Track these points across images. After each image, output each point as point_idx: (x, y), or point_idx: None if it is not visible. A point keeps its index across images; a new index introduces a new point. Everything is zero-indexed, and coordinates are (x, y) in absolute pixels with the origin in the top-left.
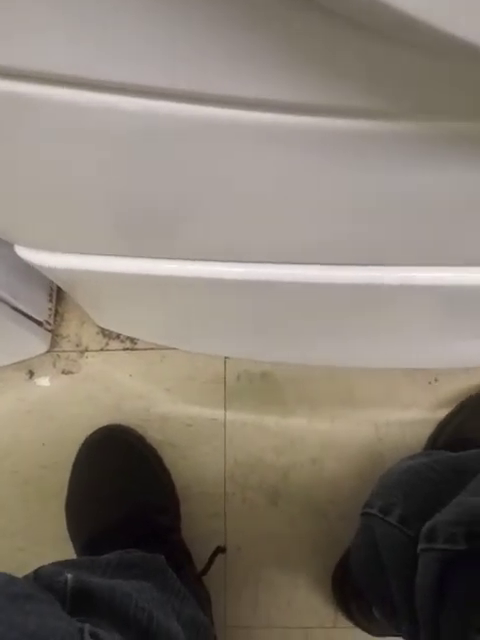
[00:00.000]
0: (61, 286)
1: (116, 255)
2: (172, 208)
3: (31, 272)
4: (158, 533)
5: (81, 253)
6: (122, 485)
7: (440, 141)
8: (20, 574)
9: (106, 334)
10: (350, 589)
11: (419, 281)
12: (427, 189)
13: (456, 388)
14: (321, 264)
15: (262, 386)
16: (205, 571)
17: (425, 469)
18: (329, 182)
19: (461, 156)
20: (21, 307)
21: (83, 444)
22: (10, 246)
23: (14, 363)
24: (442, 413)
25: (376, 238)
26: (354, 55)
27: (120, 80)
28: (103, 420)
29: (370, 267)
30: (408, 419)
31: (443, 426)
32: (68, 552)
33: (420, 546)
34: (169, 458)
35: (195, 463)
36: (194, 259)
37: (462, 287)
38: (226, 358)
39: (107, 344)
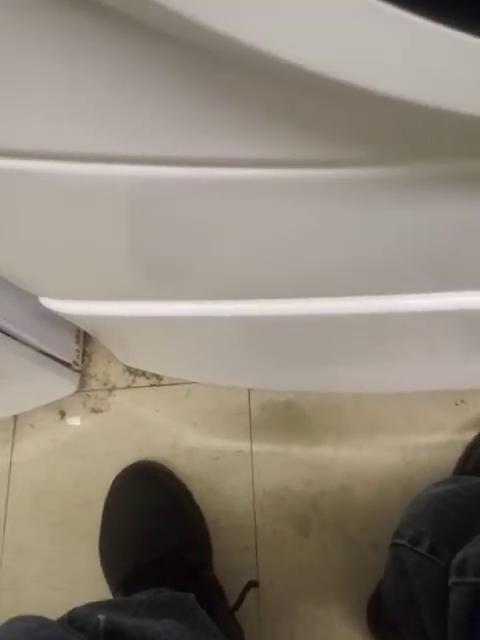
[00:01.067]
0: (85, 329)
1: (134, 299)
2: (180, 256)
3: (57, 317)
4: (190, 570)
5: (101, 300)
6: (153, 523)
7: (412, 182)
8: (60, 613)
9: (132, 372)
10: (385, 623)
11: (438, 306)
12: (424, 221)
13: None
14: (339, 296)
15: (287, 415)
16: (237, 606)
17: (452, 496)
18: (334, 222)
19: (446, 192)
20: (49, 351)
21: (114, 482)
22: (35, 297)
23: (46, 405)
24: (470, 435)
25: (389, 268)
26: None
27: (116, 152)
28: (133, 456)
29: (387, 296)
30: (435, 443)
31: (472, 449)
32: (105, 590)
33: (451, 580)
34: (198, 492)
35: (224, 496)
36: (209, 299)
37: (477, 310)
38: (250, 389)
39: (133, 381)
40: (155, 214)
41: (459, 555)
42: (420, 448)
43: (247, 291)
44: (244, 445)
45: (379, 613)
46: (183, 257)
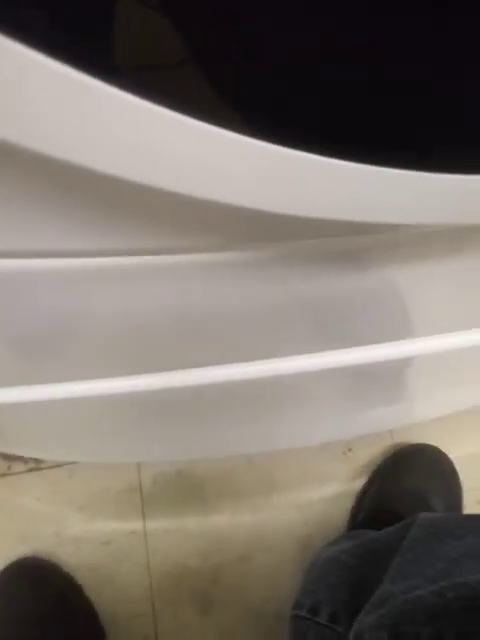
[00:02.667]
0: None
1: (3, 385)
2: (48, 340)
3: None
4: None
5: None
6: (37, 631)
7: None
8: None
9: (7, 457)
10: None
11: (318, 366)
12: (287, 293)
13: (369, 454)
14: (219, 364)
15: (180, 485)
16: None
17: (346, 556)
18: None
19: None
20: None
21: None
22: None
23: None
24: (360, 482)
25: (266, 335)
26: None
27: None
28: (11, 553)
29: (268, 360)
30: (329, 495)
31: (361, 498)
32: None
33: None
34: (89, 584)
35: (118, 584)
36: (87, 378)
37: (355, 365)
38: (139, 463)
39: (9, 468)
40: (18, 301)
41: (355, 627)
42: (314, 503)
43: (125, 368)
44: (136, 525)
45: None
46: (53, 341)
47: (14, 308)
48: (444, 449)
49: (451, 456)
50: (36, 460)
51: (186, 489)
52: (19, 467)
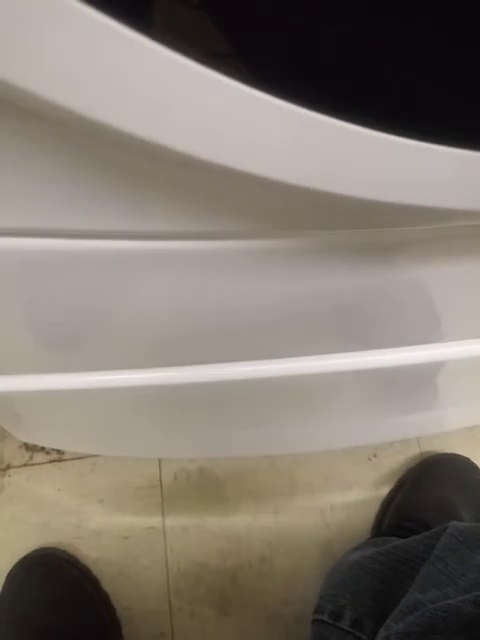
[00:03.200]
0: None
1: (29, 373)
2: (75, 328)
3: None
4: None
5: None
6: (54, 620)
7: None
8: None
9: (30, 448)
10: None
11: (342, 367)
12: (319, 290)
13: (395, 462)
14: (249, 360)
15: (201, 484)
16: None
17: (370, 562)
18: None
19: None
20: None
21: (8, 576)
22: None
23: None
24: (385, 490)
25: (298, 332)
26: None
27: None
28: (31, 544)
29: (298, 358)
30: (352, 501)
31: (386, 506)
32: None
33: None
34: (107, 577)
35: (135, 579)
36: (112, 369)
37: (386, 368)
38: (160, 459)
39: (31, 458)
40: (46, 286)
41: (381, 633)
42: (337, 508)
43: (151, 360)
44: (156, 520)
45: None
46: (80, 329)
47: (44, 292)
48: (473, 460)
49: None
50: (58, 451)
51: (207, 487)
52: (41, 458)
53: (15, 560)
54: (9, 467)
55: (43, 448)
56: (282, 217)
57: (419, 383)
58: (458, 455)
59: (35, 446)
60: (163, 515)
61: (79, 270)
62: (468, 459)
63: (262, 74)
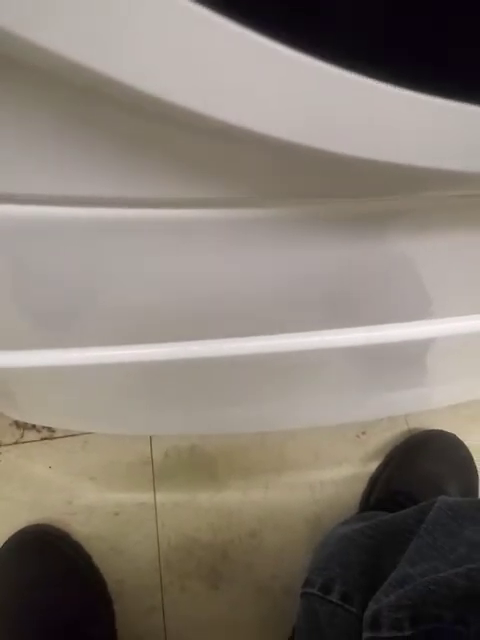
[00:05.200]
0: None
1: (19, 348)
2: (68, 302)
3: None
4: None
5: None
6: (46, 597)
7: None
8: None
9: (20, 425)
10: None
11: (330, 344)
12: (313, 261)
13: (383, 439)
14: (239, 337)
15: (192, 461)
16: None
17: (359, 536)
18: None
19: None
20: None
21: None
22: None
23: None
24: (373, 466)
25: (287, 307)
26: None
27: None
28: (23, 521)
29: (288, 334)
30: (341, 477)
31: (374, 481)
32: None
33: (365, 635)
34: (98, 552)
35: (127, 554)
36: (103, 345)
37: (373, 345)
38: (151, 436)
39: (22, 436)
40: (41, 257)
41: (371, 606)
42: (326, 484)
43: (142, 336)
44: (147, 497)
45: None
46: (67, 303)
47: (35, 265)
48: (459, 436)
49: (466, 444)
50: (49, 429)
51: (198, 464)
52: (32, 435)
53: (6, 537)
54: (0, 445)
55: (34, 426)
56: (283, 184)
57: (406, 361)
58: (444, 431)
59: (26, 424)
60: (154, 491)
61: (67, 240)
62: (454, 435)
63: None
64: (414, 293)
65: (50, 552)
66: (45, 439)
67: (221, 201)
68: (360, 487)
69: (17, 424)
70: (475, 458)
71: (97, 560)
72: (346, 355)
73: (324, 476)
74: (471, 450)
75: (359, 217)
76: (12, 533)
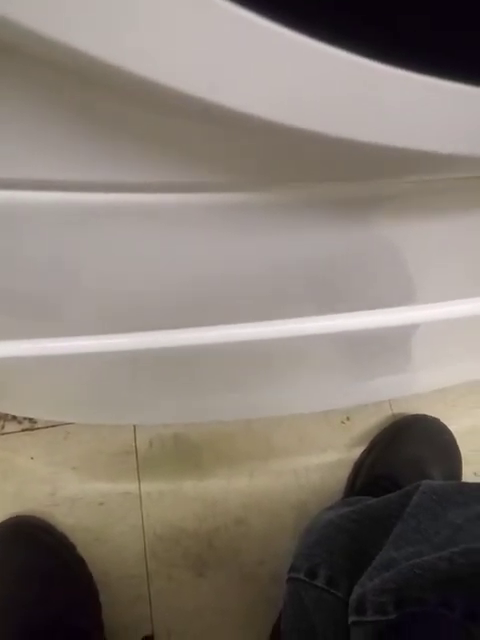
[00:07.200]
0: None
1: (4, 339)
2: (46, 291)
3: None
4: None
5: None
6: (30, 591)
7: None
8: None
9: (1, 416)
10: None
11: (320, 330)
12: (299, 247)
13: (367, 424)
14: (221, 324)
15: (176, 449)
16: None
17: (345, 521)
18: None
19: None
20: None
21: None
22: None
23: None
24: (357, 452)
25: (271, 293)
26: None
27: None
28: (5, 513)
29: (271, 322)
30: (326, 462)
31: (358, 467)
32: None
33: (350, 619)
34: (83, 544)
35: (112, 545)
36: (83, 334)
37: (357, 331)
38: (135, 425)
39: (2, 427)
40: (20, 242)
41: (356, 590)
42: (311, 470)
43: (125, 324)
44: (131, 486)
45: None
46: (52, 291)
47: (12, 252)
48: (443, 420)
49: (450, 428)
50: (30, 420)
51: (182, 453)
52: (13, 427)
53: None
54: None
55: (15, 417)
56: (273, 167)
57: (390, 347)
58: (428, 416)
59: (6, 415)
60: (139, 481)
61: (46, 225)
62: (438, 420)
63: None
64: (397, 279)
65: (34, 544)
66: (26, 430)
67: (203, 185)
68: (345, 473)
69: None
70: (458, 442)
71: (82, 551)
72: (330, 342)
73: (309, 462)
74: (454, 434)
75: (342, 202)
76: None
